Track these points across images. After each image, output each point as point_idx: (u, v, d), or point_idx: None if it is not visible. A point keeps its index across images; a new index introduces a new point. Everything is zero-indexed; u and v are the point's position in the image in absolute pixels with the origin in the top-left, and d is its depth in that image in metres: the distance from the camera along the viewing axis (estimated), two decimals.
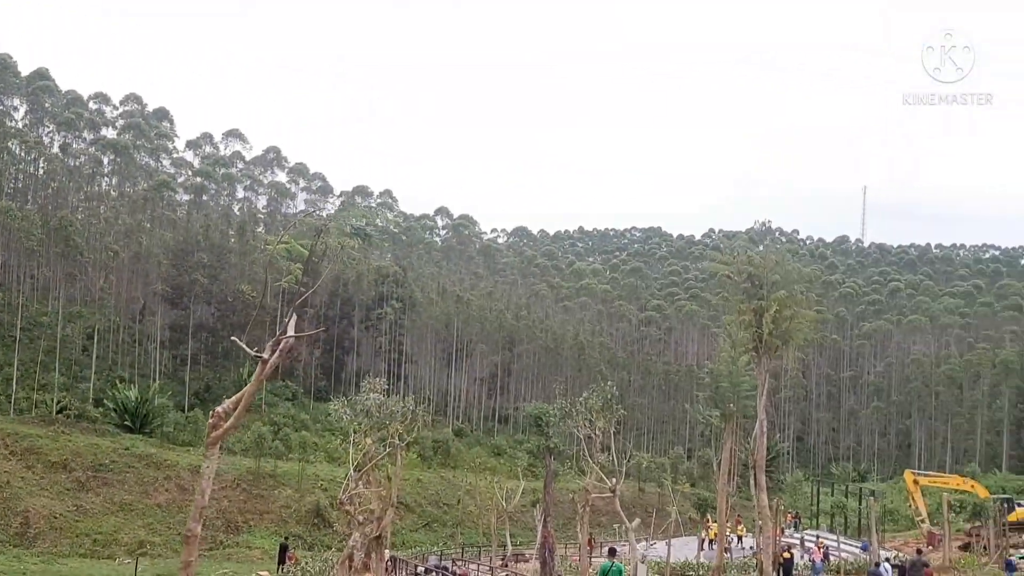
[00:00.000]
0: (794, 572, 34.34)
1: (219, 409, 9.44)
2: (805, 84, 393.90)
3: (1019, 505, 48.72)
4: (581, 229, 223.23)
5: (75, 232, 77.04)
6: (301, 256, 68.80)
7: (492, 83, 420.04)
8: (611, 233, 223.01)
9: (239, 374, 78.08)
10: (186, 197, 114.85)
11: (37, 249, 75.90)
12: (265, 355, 9.46)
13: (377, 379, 22.03)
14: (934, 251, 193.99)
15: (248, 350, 9.63)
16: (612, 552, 22.09)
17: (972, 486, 49.88)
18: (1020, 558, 37.47)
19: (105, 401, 67.01)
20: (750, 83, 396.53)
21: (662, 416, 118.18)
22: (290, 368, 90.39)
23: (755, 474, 11.81)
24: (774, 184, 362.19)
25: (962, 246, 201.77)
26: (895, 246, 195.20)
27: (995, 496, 47.93)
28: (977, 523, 45.39)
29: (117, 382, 71.64)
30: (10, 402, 63.27)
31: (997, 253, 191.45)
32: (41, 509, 48.43)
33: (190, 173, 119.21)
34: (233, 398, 9.64)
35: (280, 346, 9.59)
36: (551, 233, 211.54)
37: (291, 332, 9.83)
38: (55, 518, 48.57)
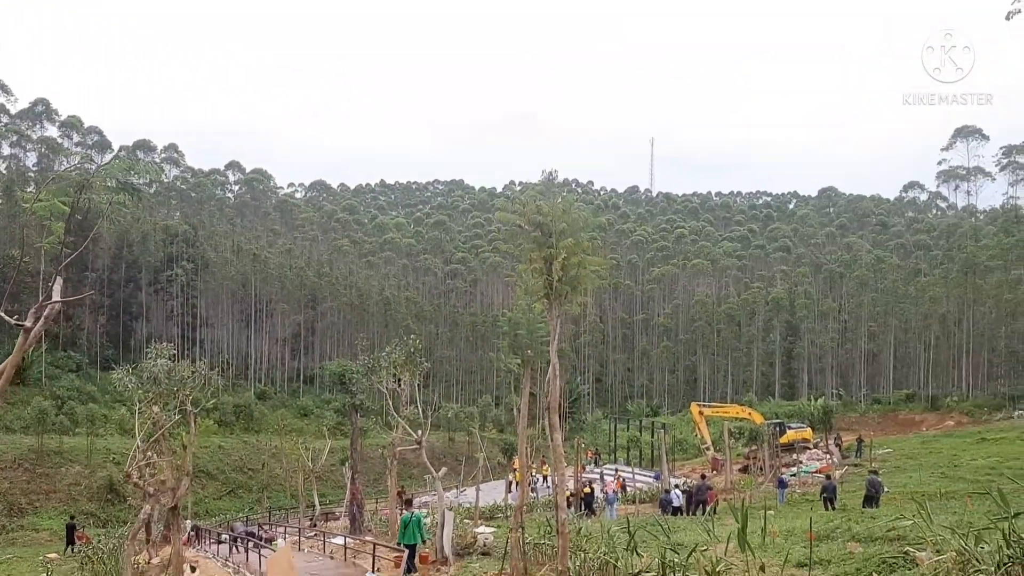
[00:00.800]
0: (594, 505, 36.42)
1: None
2: None
3: (789, 428, 54.00)
4: (383, 183, 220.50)
5: None
6: (65, 214, 63.41)
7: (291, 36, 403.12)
8: (414, 186, 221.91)
9: (13, 347, 71.52)
10: None
11: None
12: (28, 323, 8.65)
13: (164, 344, 20.79)
14: (714, 199, 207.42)
15: (8, 318, 8.77)
16: (408, 503, 22.51)
17: (749, 414, 54.38)
18: (792, 475, 41.70)
19: None
20: None
21: (470, 366, 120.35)
22: (72, 337, 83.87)
23: (548, 415, 12.25)
24: (570, 134, 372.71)
25: (739, 193, 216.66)
26: (680, 195, 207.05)
27: (769, 422, 52.65)
28: (754, 447, 49.78)
29: None
30: None
31: (769, 199, 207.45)
32: None
33: None
34: None
35: (45, 312, 8.80)
36: (351, 187, 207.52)
37: (57, 296, 9.04)
38: None
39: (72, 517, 40.81)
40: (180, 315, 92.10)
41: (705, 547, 11.40)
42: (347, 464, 41.05)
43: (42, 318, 8.75)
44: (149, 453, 18.47)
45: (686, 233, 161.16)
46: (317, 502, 45.60)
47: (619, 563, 12.04)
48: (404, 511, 21.18)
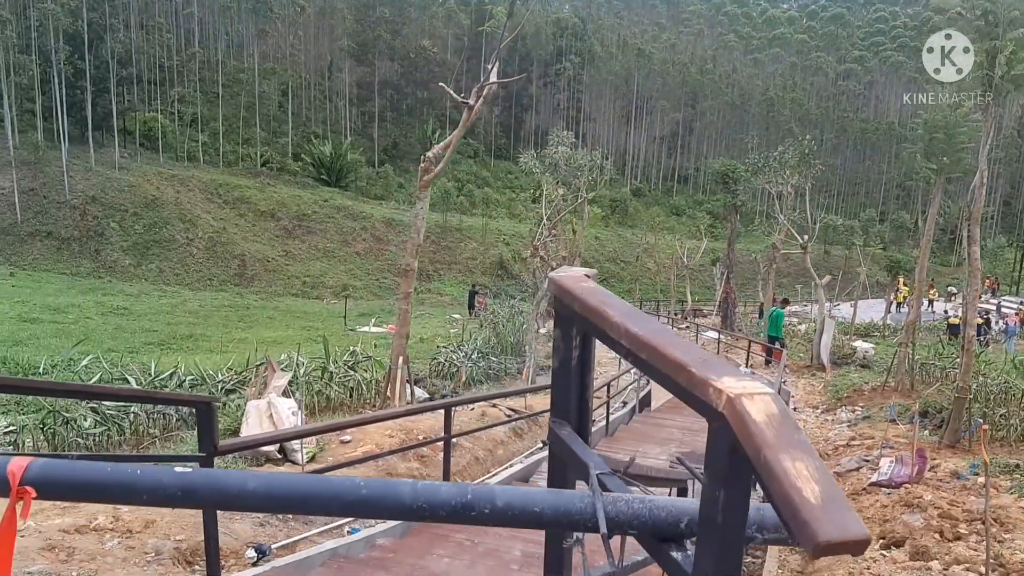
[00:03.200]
0: (988, 336, 33.43)
1: (429, 154, 9.91)
2: None
3: None
4: None
5: None
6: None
7: None
8: None
9: (423, 131, 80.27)
10: None
11: (229, 5, 78.56)
12: (471, 101, 9.68)
13: (565, 132, 22.09)
14: None
15: (455, 96, 9.87)
16: (785, 302, 22.85)
17: None
18: None
19: (302, 156, 71.20)
20: None
21: (855, 177, 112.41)
22: (472, 126, 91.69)
23: (969, 227, 11.22)
24: None
25: None
26: None
27: None
28: None
29: (312, 138, 75.60)
30: (218, 155, 68.48)
31: None
32: (255, 253, 53.03)
33: None
34: (442, 144, 10.05)
35: (484, 92, 9.77)
36: None
37: (493, 79, 9.94)
38: (268, 262, 53.07)
39: (473, 285, 46.21)
40: (566, 109, 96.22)
41: None
42: (719, 264, 41.52)
43: (482, 97, 9.71)
44: (550, 231, 20.22)
45: None
46: (690, 297, 47.01)
47: None
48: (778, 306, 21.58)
